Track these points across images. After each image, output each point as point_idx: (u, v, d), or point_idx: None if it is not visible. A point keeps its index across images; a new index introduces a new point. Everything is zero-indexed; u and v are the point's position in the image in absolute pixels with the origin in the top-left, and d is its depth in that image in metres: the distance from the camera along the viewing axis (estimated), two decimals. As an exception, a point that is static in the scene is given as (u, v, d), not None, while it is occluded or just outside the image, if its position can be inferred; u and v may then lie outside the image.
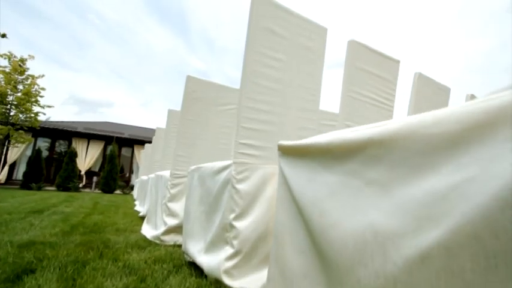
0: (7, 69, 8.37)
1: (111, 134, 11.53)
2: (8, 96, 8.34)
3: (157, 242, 2.24)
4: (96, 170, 11.55)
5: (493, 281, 0.38)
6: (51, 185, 9.65)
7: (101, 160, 11.70)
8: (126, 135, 12.18)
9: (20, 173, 9.96)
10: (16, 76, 8.49)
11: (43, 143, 11.06)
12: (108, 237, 2.25)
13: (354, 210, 0.58)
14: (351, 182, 0.61)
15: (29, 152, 10.09)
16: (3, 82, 8.23)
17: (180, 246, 2.01)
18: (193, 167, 1.87)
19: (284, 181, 0.81)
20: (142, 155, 7.94)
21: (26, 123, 8.67)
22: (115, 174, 9.56)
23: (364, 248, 0.54)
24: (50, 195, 6.51)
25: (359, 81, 1.82)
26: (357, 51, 1.80)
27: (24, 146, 9.76)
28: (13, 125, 8.40)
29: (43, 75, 9.01)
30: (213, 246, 1.40)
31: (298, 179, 0.74)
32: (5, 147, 8.91)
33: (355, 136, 0.59)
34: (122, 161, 12.00)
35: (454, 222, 0.42)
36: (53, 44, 31.39)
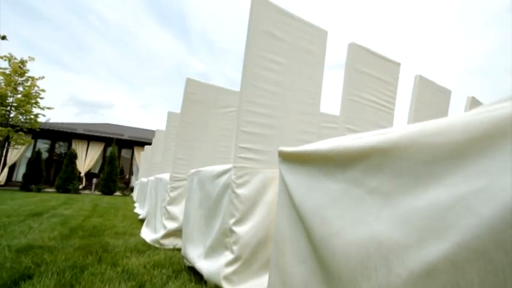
0: (7, 71, 8.37)
1: (111, 136, 11.52)
2: (8, 98, 8.34)
3: (157, 245, 2.22)
4: (96, 171, 11.53)
5: (502, 297, 0.36)
6: (51, 187, 9.63)
7: (100, 162, 11.68)
8: (126, 137, 12.17)
9: (19, 174, 9.95)
10: (16, 78, 8.50)
11: (43, 145, 11.05)
12: (107, 241, 2.23)
13: (356, 219, 0.57)
14: (352, 190, 0.60)
15: (28, 154, 10.08)
16: (3, 84, 8.23)
17: (179, 250, 2.00)
18: (193, 171, 1.86)
19: (285, 188, 0.80)
20: (142, 157, 7.93)
21: (26, 125, 8.66)
22: (115, 176, 9.55)
23: (368, 260, 0.52)
24: (50, 197, 6.49)
25: (359, 84, 1.81)
26: (358, 53, 1.79)
27: (24, 147, 9.75)
28: (13, 126, 8.39)
29: (43, 77, 9.02)
30: (212, 251, 1.39)
31: (299, 186, 0.73)
32: (5, 149, 8.90)
33: (357, 144, 0.57)
34: (122, 163, 11.99)
35: (460, 236, 0.41)
36: (53, 45, 31.46)
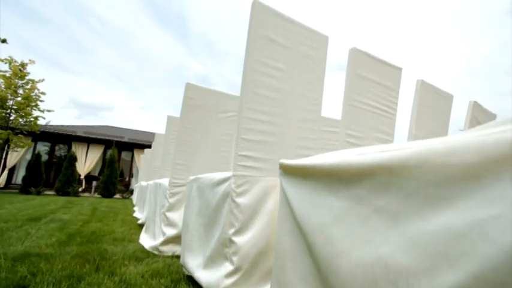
0: (7, 74, 8.37)
1: (111, 138, 11.50)
2: (8, 100, 8.33)
3: (156, 252, 2.19)
4: (96, 174, 11.50)
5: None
6: (51, 189, 9.60)
7: (100, 164, 11.65)
8: (126, 139, 12.14)
9: (19, 177, 9.92)
10: (16, 80, 8.49)
11: (43, 147, 11.03)
12: (105, 248, 2.20)
13: (362, 240, 0.54)
14: (358, 208, 0.57)
15: (28, 156, 10.06)
16: (3, 87, 8.23)
17: (178, 257, 1.96)
18: (192, 177, 1.83)
19: (286, 202, 0.77)
20: (141, 160, 7.90)
21: (26, 128, 8.65)
22: (114, 178, 9.51)
23: (374, 284, 0.50)
24: (49, 200, 6.46)
25: (361, 89, 1.78)
26: (359, 58, 1.77)
27: (23, 150, 9.73)
28: (13, 129, 8.37)
29: (43, 80, 9.01)
30: (211, 261, 1.36)
31: (301, 201, 0.70)
32: (5, 152, 8.87)
33: (363, 160, 0.55)
34: (122, 165, 11.96)
35: (475, 265, 0.38)
36: (53, 47, 31.45)
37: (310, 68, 1.61)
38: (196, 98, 2.38)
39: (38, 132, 9.27)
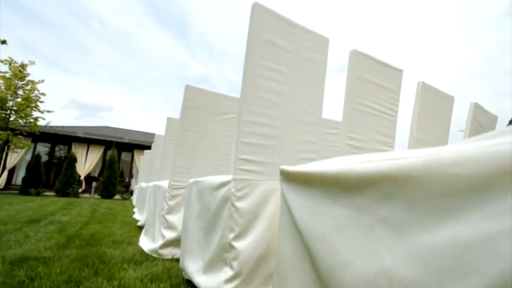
0: (7, 75, 8.36)
1: (111, 139, 11.49)
2: (8, 101, 8.32)
3: (155, 255, 2.17)
4: (96, 175, 11.48)
5: None
6: (51, 190, 9.58)
7: (100, 165, 11.64)
8: (126, 140, 12.13)
9: (19, 178, 9.91)
10: (16, 81, 8.48)
11: (43, 148, 11.02)
12: (104, 251, 2.18)
13: (365, 250, 0.53)
14: (361, 217, 0.55)
15: (28, 157, 10.05)
16: (3, 88, 8.22)
17: (178, 260, 1.95)
18: (191, 180, 1.82)
19: (287, 209, 0.76)
20: (141, 161, 7.89)
21: (26, 129, 8.64)
22: (114, 179, 9.49)
23: (378, 297, 0.48)
24: (49, 201, 6.44)
25: (362, 92, 1.77)
26: (359, 61, 1.75)
27: (23, 151, 9.72)
28: (13, 130, 8.36)
29: (43, 80, 9.00)
30: (211, 266, 1.34)
31: (302, 208, 0.69)
32: (5, 153, 8.86)
33: (367, 169, 0.53)
34: (122, 166, 11.94)
35: (485, 282, 0.36)
36: (53, 48, 31.45)
37: (310, 70, 1.60)
38: (196, 99, 2.36)
39: (38, 133, 9.26)
